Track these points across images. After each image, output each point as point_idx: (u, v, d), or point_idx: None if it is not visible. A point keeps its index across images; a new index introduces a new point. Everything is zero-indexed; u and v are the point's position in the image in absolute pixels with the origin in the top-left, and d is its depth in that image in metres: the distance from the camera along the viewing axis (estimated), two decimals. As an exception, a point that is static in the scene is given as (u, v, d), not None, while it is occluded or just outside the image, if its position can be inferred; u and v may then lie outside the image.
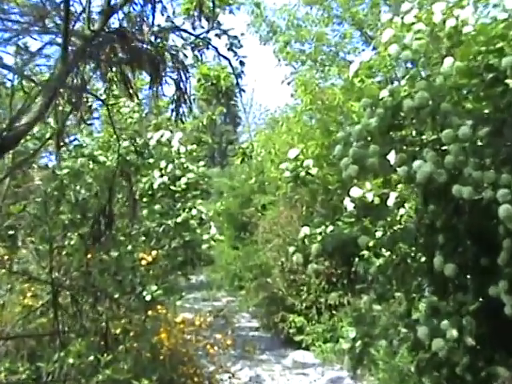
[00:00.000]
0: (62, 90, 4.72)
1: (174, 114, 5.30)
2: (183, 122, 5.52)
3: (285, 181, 7.09)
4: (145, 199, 9.92)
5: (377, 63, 6.17)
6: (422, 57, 4.95)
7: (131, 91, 5.12)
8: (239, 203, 15.76)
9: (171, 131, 10.26)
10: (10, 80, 4.96)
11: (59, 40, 4.36)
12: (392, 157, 4.77)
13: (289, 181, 6.44)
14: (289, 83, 11.20)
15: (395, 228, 5.39)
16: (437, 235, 4.85)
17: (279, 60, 12.88)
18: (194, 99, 6.23)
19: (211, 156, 28.20)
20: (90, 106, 6.42)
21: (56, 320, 4.98)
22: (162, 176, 10.03)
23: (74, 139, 8.74)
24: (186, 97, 5.25)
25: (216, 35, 5.70)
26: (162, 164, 10.07)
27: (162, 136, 9.97)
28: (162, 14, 5.21)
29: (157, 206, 9.95)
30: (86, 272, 5.54)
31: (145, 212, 9.75)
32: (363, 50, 12.97)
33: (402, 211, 5.49)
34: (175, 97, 5.24)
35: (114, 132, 7.30)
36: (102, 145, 9.04)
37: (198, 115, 14.17)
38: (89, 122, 7.58)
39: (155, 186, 9.95)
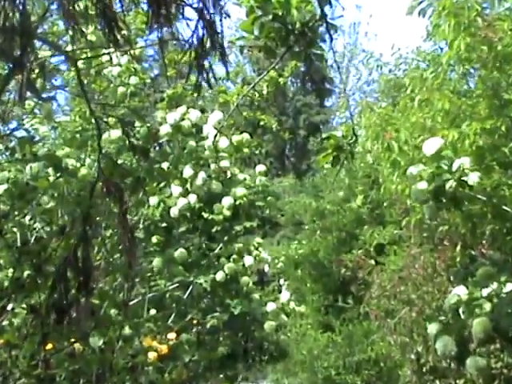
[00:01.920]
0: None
1: (196, 73, 3.34)
2: (211, 87, 3.45)
3: (418, 198, 5.78)
4: (155, 238, 7.46)
5: None
6: None
7: (120, 35, 3.35)
8: (334, 243, 12.34)
9: (202, 109, 7.61)
10: None
11: None
12: None
13: (426, 198, 5.41)
14: (422, 14, 7.23)
15: None
16: None
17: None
18: (241, 47, 4.48)
19: (279, 155, 22.53)
20: (43, 66, 4.09)
21: None
22: (186, 194, 7.53)
23: (18, 127, 6.14)
24: (215, 38, 3.25)
25: None
26: (187, 172, 7.47)
27: (184, 118, 7.33)
28: None
29: (178, 252, 7.35)
30: (44, 378, 4.36)
31: (156, 262, 7.24)
32: None
33: None
34: (195, 40, 3.24)
35: (91, 111, 4.68)
36: (72, 137, 6.56)
37: (251, 77, 11.39)
38: (45, 95, 5.41)
39: (174, 214, 7.39)
